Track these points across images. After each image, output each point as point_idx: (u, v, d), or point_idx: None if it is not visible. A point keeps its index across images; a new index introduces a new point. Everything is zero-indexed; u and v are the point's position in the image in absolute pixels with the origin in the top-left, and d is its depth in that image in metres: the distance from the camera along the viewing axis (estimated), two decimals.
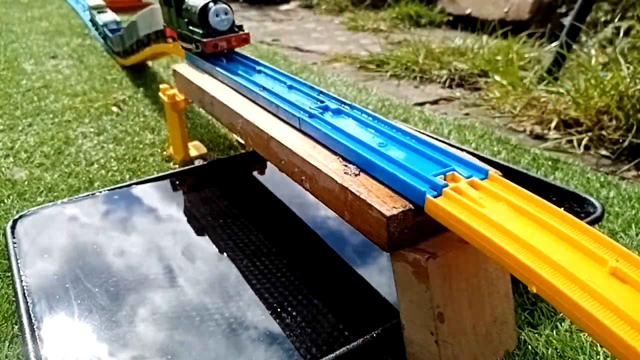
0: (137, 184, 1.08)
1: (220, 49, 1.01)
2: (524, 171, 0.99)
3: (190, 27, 1.04)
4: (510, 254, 0.45)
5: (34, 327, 0.70)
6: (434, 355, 0.59)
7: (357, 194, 0.59)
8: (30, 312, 0.72)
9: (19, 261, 0.83)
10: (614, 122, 1.29)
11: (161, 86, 1.21)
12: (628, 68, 1.36)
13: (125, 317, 0.72)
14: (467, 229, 0.50)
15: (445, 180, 0.57)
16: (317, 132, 0.72)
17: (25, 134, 1.42)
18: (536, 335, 0.69)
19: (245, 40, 1.03)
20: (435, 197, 0.54)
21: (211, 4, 0.99)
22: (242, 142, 1.22)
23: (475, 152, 1.12)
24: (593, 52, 1.71)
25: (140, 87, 1.80)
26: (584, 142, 1.30)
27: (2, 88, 1.80)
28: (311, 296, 0.75)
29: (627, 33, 1.87)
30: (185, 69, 1.11)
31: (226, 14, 1.00)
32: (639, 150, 1.23)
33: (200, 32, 0.99)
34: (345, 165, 0.65)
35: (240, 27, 1.04)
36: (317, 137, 0.72)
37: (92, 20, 2.47)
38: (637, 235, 0.90)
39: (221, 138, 1.38)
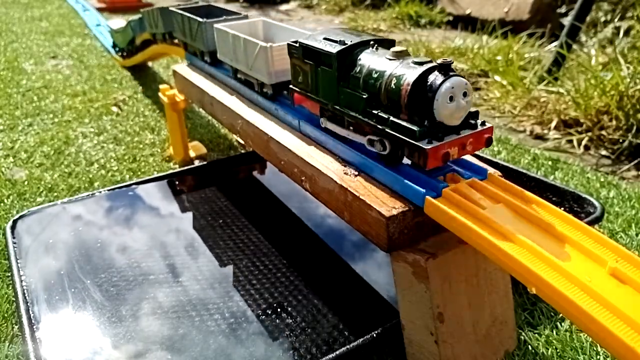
0: (137, 184, 1.08)
1: (449, 159, 0.55)
2: (524, 171, 0.99)
3: (380, 113, 0.57)
4: (509, 255, 0.45)
5: (34, 327, 0.70)
6: (434, 356, 0.59)
7: (357, 194, 0.59)
8: (30, 312, 0.72)
9: (19, 261, 0.83)
10: (614, 122, 1.29)
11: (161, 86, 1.21)
12: (628, 68, 1.36)
13: (125, 317, 0.72)
14: (466, 230, 0.50)
15: (444, 180, 0.57)
16: (316, 134, 0.72)
17: (25, 134, 1.42)
18: (536, 335, 0.69)
19: (489, 141, 0.58)
20: (434, 197, 0.54)
21: (437, 77, 0.53)
22: (242, 142, 1.22)
23: (475, 152, 1.12)
24: (593, 52, 1.71)
25: (140, 87, 1.80)
26: (584, 142, 1.30)
27: (2, 88, 1.80)
28: (311, 296, 0.75)
29: (627, 33, 1.87)
30: (185, 69, 1.11)
31: (465, 94, 0.54)
32: (639, 150, 1.23)
33: (415, 129, 0.53)
34: (345, 166, 0.66)
35: (476, 116, 0.57)
36: (317, 140, 0.72)
37: (115, 44, 2.10)
38: (637, 235, 0.90)
39: (221, 138, 1.38)
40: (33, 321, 0.71)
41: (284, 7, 3.48)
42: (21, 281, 0.78)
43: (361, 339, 0.64)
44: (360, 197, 0.59)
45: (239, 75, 0.90)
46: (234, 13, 1.03)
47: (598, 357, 0.65)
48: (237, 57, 0.87)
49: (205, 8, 1.12)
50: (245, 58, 0.84)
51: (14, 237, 0.89)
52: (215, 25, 0.92)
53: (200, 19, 0.98)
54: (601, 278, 0.43)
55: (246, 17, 0.99)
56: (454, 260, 0.57)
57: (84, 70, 2.02)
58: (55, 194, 1.10)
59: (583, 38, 2.04)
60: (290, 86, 0.72)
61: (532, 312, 0.73)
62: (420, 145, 0.53)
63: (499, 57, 1.84)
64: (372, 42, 0.63)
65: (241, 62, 0.86)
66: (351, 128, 0.64)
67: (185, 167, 1.16)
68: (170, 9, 1.14)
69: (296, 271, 0.81)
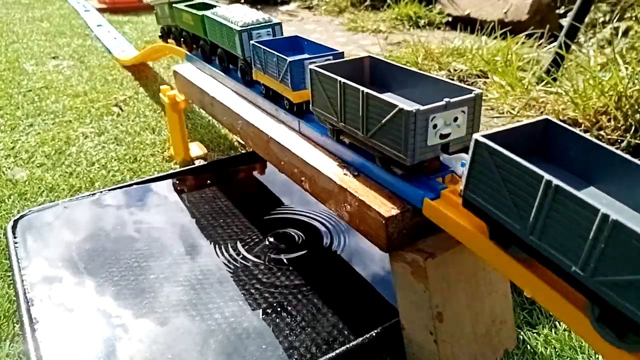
0: (137, 184, 1.08)
1: None
2: None
3: None
4: (507, 258, 0.46)
5: (35, 326, 0.70)
6: (434, 355, 0.60)
7: (356, 195, 0.60)
8: (31, 312, 0.73)
9: (19, 261, 0.84)
10: (612, 122, 1.30)
11: (162, 87, 1.21)
12: (627, 68, 1.36)
13: (126, 317, 0.73)
14: (464, 232, 0.50)
15: (443, 182, 0.57)
16: (316, 135, 0.72)
17: (26, 134, 1.42)
18: (535, 334, 0.69)
19: None
20: (433, 199, 0.54)
21: None
22: (242, 142, 1.22)
23: None
24: (592, 52, 1.72)
25: (140, 88, 1.80)
26: None
27: (3, 88, 1.80)
28: (311, 295, 0.76)
29: (625, 33, 1.87)
30: (185, 70, 1.12)
31: None
32: (637, 150, 1.23)
33: None
34: (345, 167, 0.66)
35: None
36: (316, 141, 0.73)
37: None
38: None
39: (221, 138, 1.38)
40: (34, 321, 0.71)
41: (284, 7, 3.48)
42: (22, 281, 0.79)
43: (361, 338, 0.64)
44: (360, 197, 0.59)
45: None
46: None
47: (597, 356, 0.66)
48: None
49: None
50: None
51: (15, 237, 0.90)
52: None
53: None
54: None
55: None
56: (453, 260, 0.58)
57: (85, 70, 2.02)
58: (56, 194, 1.11)
59: (582, 39, 2.05)
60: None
61: (531, 311, 0.74)
62: None
63: (497, 58, 1.85)
64: None
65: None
66: None
67: (186, 167, 1.17)
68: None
69: (296, 271, 0.81)
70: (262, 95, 0.85)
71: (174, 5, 1.16)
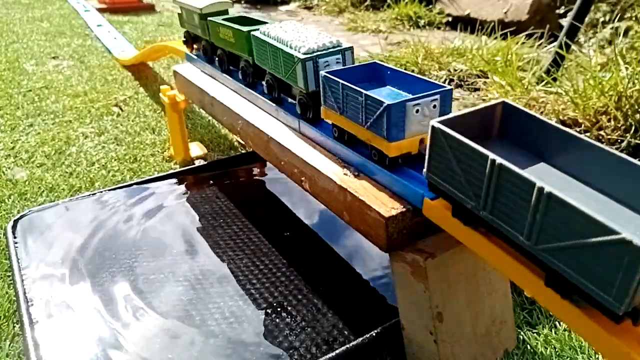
0: (137, 184, 1.08)
1: None
2: None
3: None
4: (506, 258, 0.46)
5: (34, 326, 0.70)
6: (434, 355, 0.60)
7: (356, 195, 0.60)
8: (31, 312, 0.73)
9: (19, 261, 0.84)
10: (612, 122, 1.30)
11: (162, 87, 1.21)
12: (627, 69, 1.36)
13: (126, 316, 0.73)
14: (464, 232, 0.50)
15: None
16: (316, 135, 0.72)
17: (26, 134, 1.42)
18: (535, 334, 0.70)
19: None
20: (433, 199, 0.54)
21: None
22: (242, 142, 1.22)
23: None
24: (592, 52, 1.72)
25: (140, 88, 1.80)
26: None
27: (3, 88, 1.80)
28: (311, 295, 0.76)
29: (625, 33, 1.87)
30: (185, 70, 1.12)
31: None
32: (637, 150, 1.23)
33: None
34: (345, 167, 0.66)
35: None
36: (316, 141, 0.73)
37: None
38: None
39: (221, 138, 1.38)
40: (34, 321, 0.71)
41: (284, 7, 3.48)
42: (22, 281, 0.79)
43: (361, 338, 0.64)
44: (360, 197, 0.59)
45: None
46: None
47: (597, 356, 0.66)
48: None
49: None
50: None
51: (15, 237, 0.90)
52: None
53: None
54: None
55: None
56: (453, 260, 0.58)
57: (85, 70, 2.02)
58: (56, 193, 1.11)
59: (582, 38, 2.05)
60: None
61: (531, 311, 0.74)
62: None
63: (497, 58, 1.85)
64: None
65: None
66: None
67: (186, 167, 1.17)
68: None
69: (296, 271, 0.81)
70: (334, 138, 0.68)
71: (209, 19, 0.96)
